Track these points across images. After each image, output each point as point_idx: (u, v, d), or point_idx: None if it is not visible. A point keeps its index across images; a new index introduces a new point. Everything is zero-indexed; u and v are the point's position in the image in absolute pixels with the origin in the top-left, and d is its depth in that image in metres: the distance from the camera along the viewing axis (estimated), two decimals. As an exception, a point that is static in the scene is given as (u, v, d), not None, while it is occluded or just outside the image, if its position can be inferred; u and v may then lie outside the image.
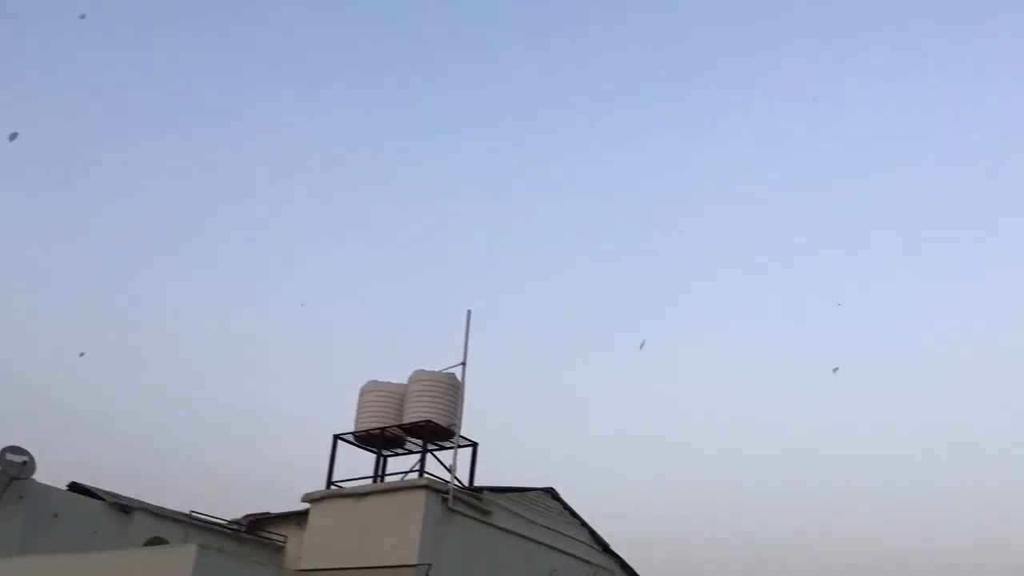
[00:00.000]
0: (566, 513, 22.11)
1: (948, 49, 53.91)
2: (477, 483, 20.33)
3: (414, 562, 17.95)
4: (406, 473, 20.41)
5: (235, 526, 21.03)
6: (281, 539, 21.00)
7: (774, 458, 48.26)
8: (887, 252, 53.69)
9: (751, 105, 55.75)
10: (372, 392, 21.27)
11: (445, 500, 18.95)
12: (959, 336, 49.88)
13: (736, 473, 48.26)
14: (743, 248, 56.21)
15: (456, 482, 19.42)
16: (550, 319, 56.71)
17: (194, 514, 20.15)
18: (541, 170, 58.34)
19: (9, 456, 17.87)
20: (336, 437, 21.23)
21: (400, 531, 18.60)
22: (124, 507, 19.25)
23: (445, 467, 19.87)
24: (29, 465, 18.05)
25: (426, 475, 19.73)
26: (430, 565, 17.93)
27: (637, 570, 23.97)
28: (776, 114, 56.04)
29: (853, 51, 55.17)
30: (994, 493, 43.95)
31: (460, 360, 20.68)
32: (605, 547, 23.01)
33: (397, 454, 21.49)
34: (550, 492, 21.82)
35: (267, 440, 47.47)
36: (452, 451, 19.91)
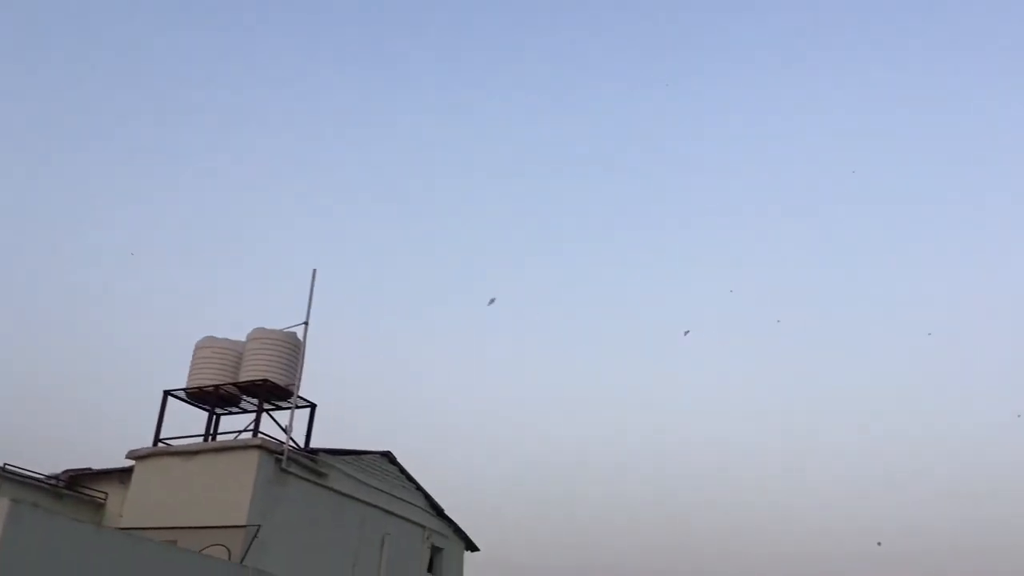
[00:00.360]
0: (402, 477, 22.08)
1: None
2: (314, 445, 20.02)
3: (243, 523, 17.54)
4: (239, 432, 19.89)
5: (53, 481, 20.04)
6: (102, 496, 20.14)
7: (616, 424, 49.80)
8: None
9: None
10: (207, 348, 20.57)
11: (279, 461, 18.57)
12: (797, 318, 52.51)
13: (574, 438, 49.52)
14: (603, 213, 57.68)
15: (291, 443, 19.06)
16: (396, 283, 56.51)
17: (8, 467, 19.07)
18: (373, 124, 58.00)
19: None
20: (167, 393, 20.46)
21: (230, 491, 18.12)
22: (-71, 458, 18.02)
23: (281, 427, 19.50)
24: None
25: (261, 435, 19.26)
26: (259, 527, 17.56)
27: (471, 535, 24.24)
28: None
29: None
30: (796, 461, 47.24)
31: (303, 320, 20.27)
32: (440, 512, 23.13)
33: (231, 413, 20.91)
34: (387, 456, 21.72)
35: (95, 394, 45.46)
36: (289, 411, 19.52)
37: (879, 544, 36.89)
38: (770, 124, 56.37)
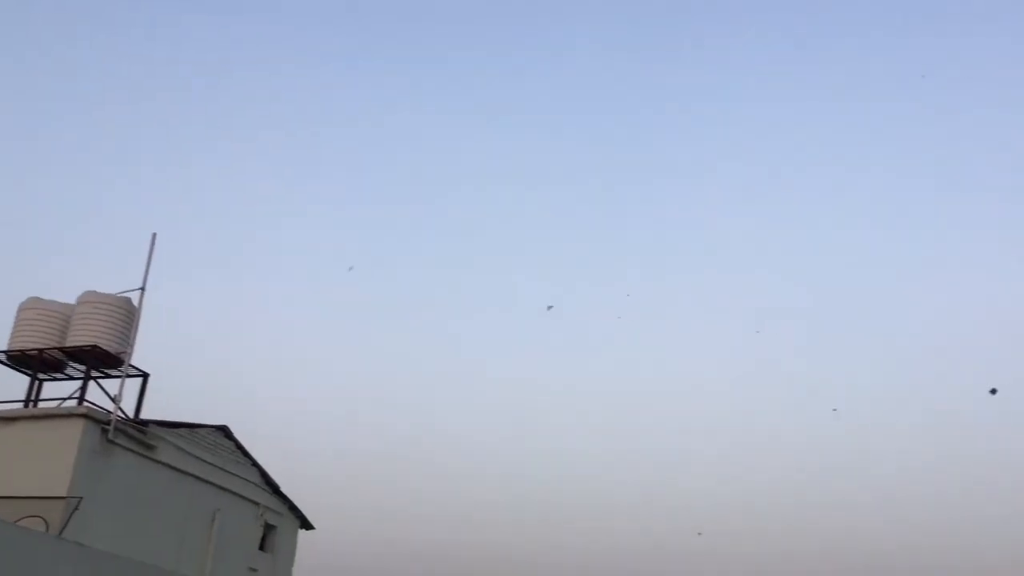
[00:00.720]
0: (238, 452, 21.49)
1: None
2: (145, 416, 19.20)
3: (64, 494, 16.66)
4: (64, 400, 18.89)
5: None
6: (-94, 463, 18.75)
7: (464, 403, 50.01)
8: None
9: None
10: (32, 310, 19.42)
11: (105, 431, 17.70)
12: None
13: (426, 416, 49.49)
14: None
15: (120, 413, 18.21)
16: (240, 253, 54.94)
17: None
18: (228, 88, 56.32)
19: None
20: (-16, 355, 19.24)
21: (51, 461, 17.16)
22: None
23: (109, 397, 18.61)
24: None
25: (87, 404, 18.35)
26: (81, 498, 16.72)
27: (307, 513, 23.82)
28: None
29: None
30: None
31: (139, 285, 19.38)
32: (275, 488, 22.64)
33: (56, 379, 19.82)
34: (223, 430, 21.09)
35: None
36: (120, 380, 18.64)
37: (699, 534, 38.47)
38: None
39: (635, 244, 57.33)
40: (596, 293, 54.14)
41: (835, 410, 42.82)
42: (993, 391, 36.00)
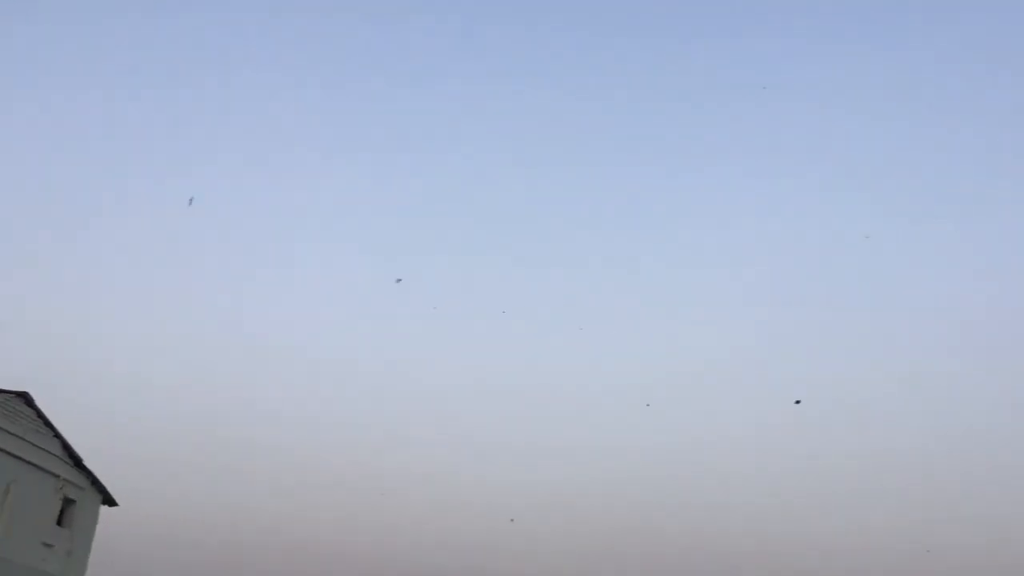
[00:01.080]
0: (39, 422, 20.48)
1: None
2: (-63, 378, 18.06)
3: None
4: None
5: None
6: None
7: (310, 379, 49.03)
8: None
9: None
10: None
11: None
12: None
13: (265, 392, 48.24)
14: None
15: (-93, 373, 17.06)
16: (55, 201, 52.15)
17: None
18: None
19: None
20: None
21: None
22: None
23: None
24: None
25: None
26: None
27: (112, 489, 22.89)
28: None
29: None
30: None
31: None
32: (78, 461, 21.67)
33: None
34: (24, 397, 20.05)
35: None
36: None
37: (511, 520, 39.46)
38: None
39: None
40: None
41: (648, 405, 45.27)
42: (797, 402, 38.76)
